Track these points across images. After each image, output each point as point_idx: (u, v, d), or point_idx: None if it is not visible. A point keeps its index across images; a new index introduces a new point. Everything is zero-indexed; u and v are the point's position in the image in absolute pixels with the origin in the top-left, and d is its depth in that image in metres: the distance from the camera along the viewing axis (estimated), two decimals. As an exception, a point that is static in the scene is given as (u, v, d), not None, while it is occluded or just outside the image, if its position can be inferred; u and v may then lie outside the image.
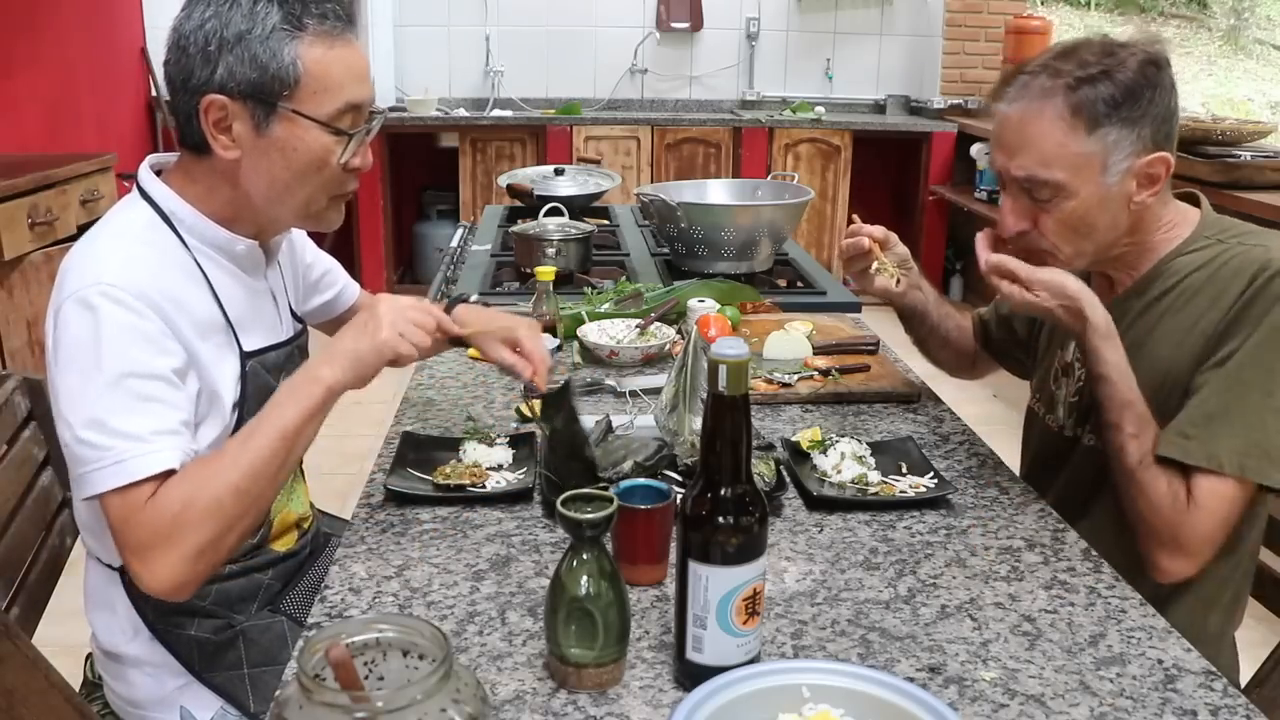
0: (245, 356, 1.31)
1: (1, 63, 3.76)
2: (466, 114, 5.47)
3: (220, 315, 1.28)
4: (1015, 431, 1.73)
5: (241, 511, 1.14)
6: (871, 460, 1.46)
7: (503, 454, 1.46)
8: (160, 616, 1.32)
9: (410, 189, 5.82)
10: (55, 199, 3.24)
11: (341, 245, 4.93)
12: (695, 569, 0.96)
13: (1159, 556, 1.31)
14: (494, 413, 1.69)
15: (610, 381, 1.79)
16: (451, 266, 2.65)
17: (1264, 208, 3.09)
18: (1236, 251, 1.33)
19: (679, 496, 1.17)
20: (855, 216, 1.71)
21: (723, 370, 0.93)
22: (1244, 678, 1.40)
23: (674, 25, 5.73)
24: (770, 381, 1.77)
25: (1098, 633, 1.11)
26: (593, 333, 1.95)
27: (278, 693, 0.83)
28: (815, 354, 1.91)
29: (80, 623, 1.35)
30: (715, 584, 0.96)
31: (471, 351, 1.94)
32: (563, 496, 0.99)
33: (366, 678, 0.82)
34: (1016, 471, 1.56)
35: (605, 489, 1.10)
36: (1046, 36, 5.23)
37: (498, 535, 1.29)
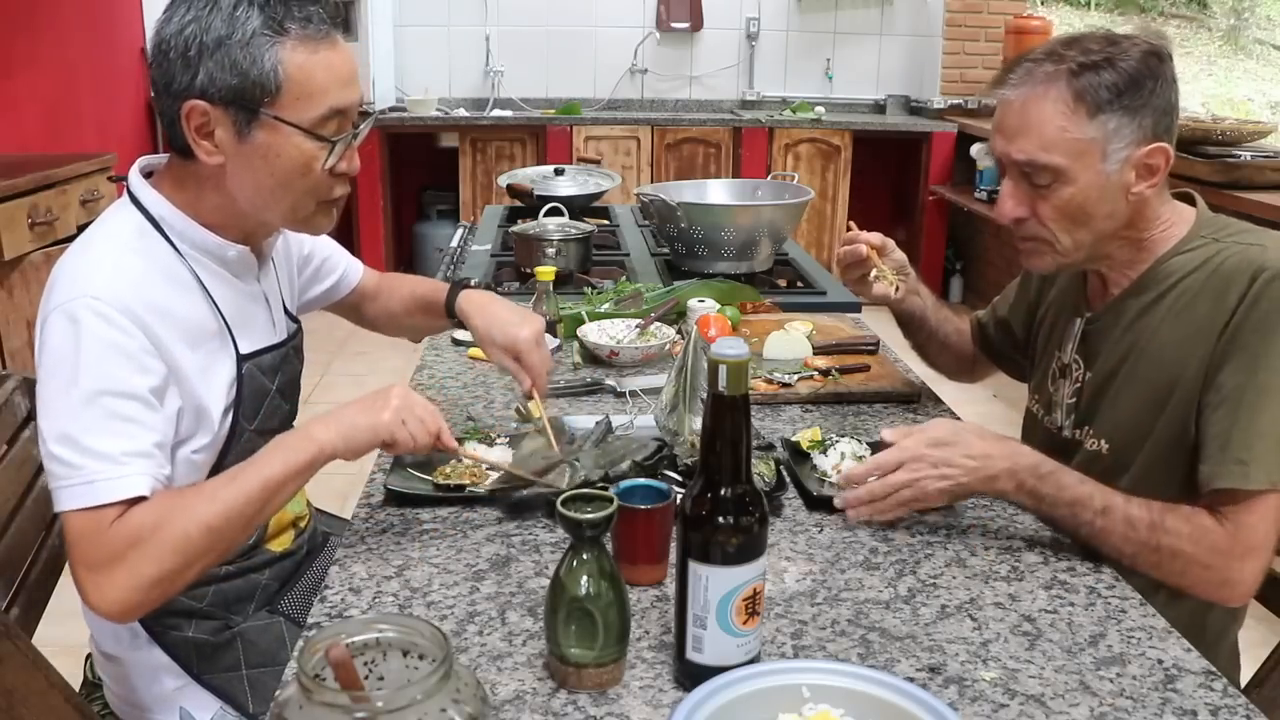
0: (241, 359, 1.31)
1: (1, 63, 3.76)
2: (466, 114, 5.47)
3: (215, 319, 1.28)
4: (1015, 432, 1.72)
5: (207, 548, 1.12)
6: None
7: (503, 454, 1.46)
8: (157, 618, 1.32)
9: (410, 189, 5.82)
10: (55, 199, 3.23)
11: (341, 245, 4.91)
12: (695, 569, 0.96)
13: (1222, 593, 1.27)
14: (494, 413, 1.69)
15: (610, 381, 1.79)
16: (451, 266, 2.65)
17: (1264, 208, 3.09)
18: (1233, 251, 1.33)
19: (679, 496, 1.18)
20: (852, 224, 1.71)
21: (723, 370, 0.93)
22: (1244, 678, 1.40)
23: (674, 25, 5.74)
24: (770, 381, 1.77)
25: (1098, 633, 1.11)
26: (593, 333, 1.95)
27: (278, 693, 0.83)
28: (815, 354, 1.91)
29: (80, 623, 1.35)
30: (715, 584, 0.96)
31: (471, 351, 1.94)
32: (563, 496, 0.99)
33: (366, 678, 0.82)
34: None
35: (605, 489, 1.09)
36: (1046, 36, 5.23)
37: (498, 535, 1.29)
